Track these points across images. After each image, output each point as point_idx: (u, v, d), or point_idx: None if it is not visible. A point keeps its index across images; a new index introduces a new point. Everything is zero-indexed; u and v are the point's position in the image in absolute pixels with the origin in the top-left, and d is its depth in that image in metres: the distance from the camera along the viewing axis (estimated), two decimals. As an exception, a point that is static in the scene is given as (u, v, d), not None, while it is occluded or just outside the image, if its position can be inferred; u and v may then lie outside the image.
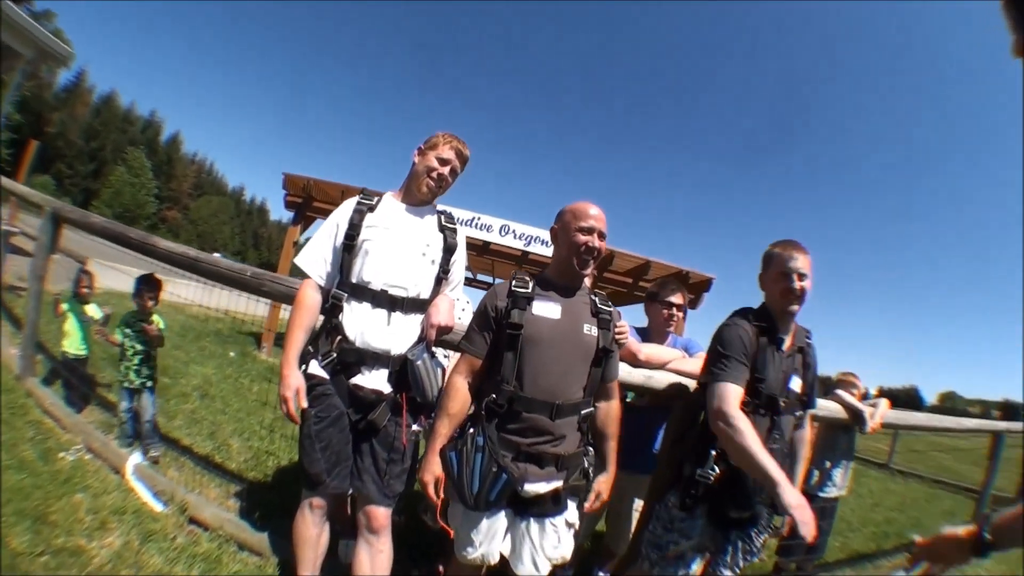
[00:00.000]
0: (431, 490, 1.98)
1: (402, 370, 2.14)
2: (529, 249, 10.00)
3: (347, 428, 2.17)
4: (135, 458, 3.05)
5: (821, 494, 3.68)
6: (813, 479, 3.71)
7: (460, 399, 2.03)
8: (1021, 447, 8.47)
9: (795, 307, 2.19)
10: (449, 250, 2.31)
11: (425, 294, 2.25)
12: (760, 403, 2.13)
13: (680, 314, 2.95)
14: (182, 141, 78.66)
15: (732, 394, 2.08)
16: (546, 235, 9.90)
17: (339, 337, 2.17)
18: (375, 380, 2.16)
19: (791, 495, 1.88)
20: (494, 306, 2.03)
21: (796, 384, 2.23)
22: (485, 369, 2.05)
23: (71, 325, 4.03)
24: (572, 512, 2.11)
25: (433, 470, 1.99)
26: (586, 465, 2.12)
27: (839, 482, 3.74)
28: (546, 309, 2.03)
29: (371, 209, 2.25)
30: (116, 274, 5.45)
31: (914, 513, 7.34)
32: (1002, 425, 5.55)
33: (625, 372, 2.44)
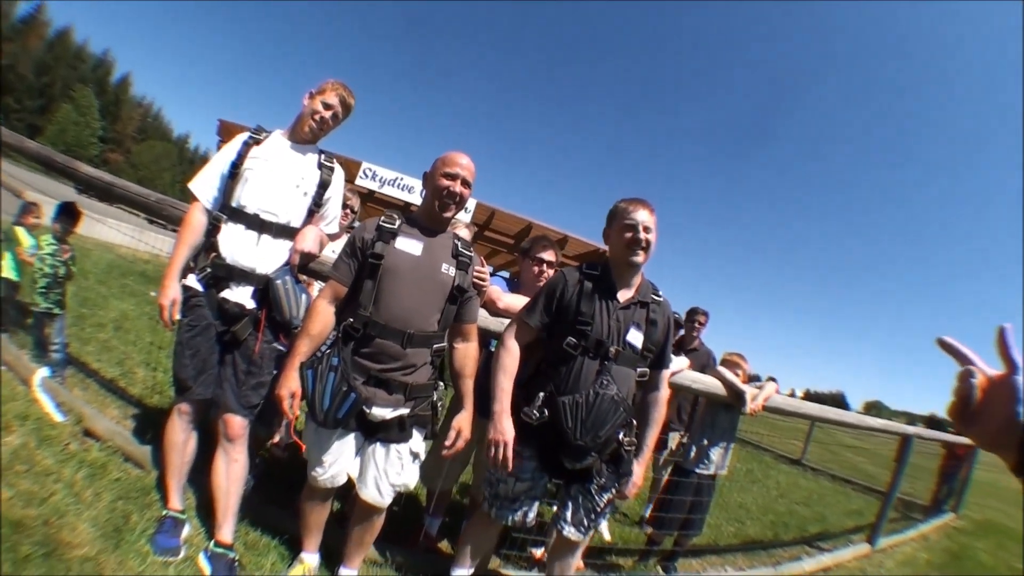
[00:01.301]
0: (285, 405, 2.13)
1: (265, 288, 2.35)
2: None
3: (214, 339, 2.37)
4: (43, 372, 3.26)
5: (697, 470, 3.72)
6: (691, 454, 3.77)
7: (321, 321, 2.19)
8: (940, 457, 8.96)
9: (638, 257, 2.30)
10: (323, 185, 2.50)
11: (296, 223, 2.45)
12: (587, 346, 2.27)
13: (551, 271, 3.02)
14: (131, 83, 76.91)
15: (519, 326, 2.39)
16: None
17: (214, 254, 2.36)
18: (241, 295, 2.35)
19: (501, 428, 2.22)
20: (361, 238, 2.22)
21: (635, 337, 2.33)
22: (348, 296, 2.23)
23: (6, 252, 4.19)
24: (417, 441, 2.31)
25: (289, 385, 2.14)
26: (435, 399, 2.32)
27: (717, 460, 3.75)
28: (408, 245, 2.22)
29: (257, 143, 2.46)
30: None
31: (819, 508, 7.55)
32: (911, 429, 5.74)
33: (487, 319, 2.65)
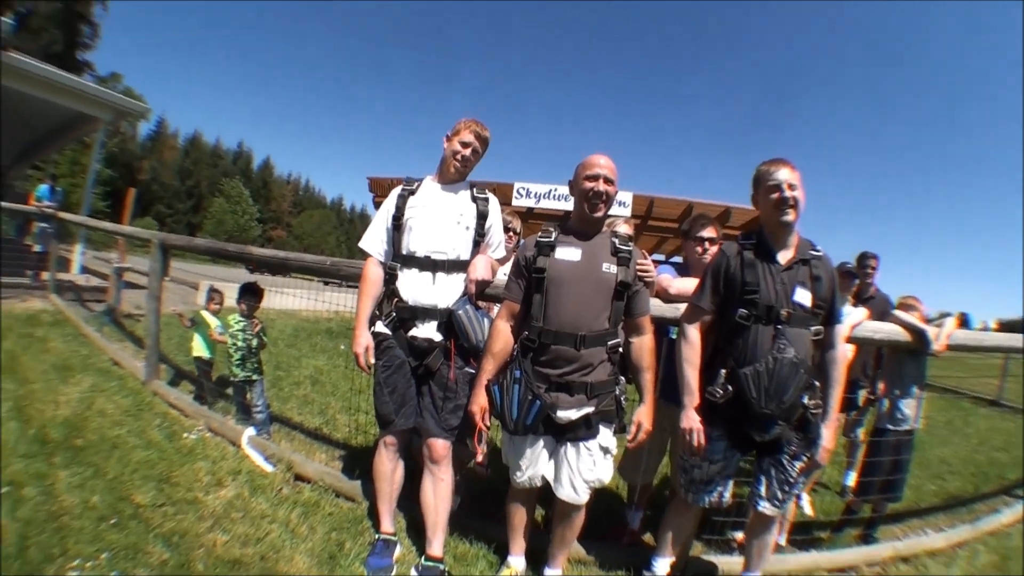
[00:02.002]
0: (478, 418, 2.37)
1: (449, 321, 2.57)
2: (610, 213, 10.43)
3: (409, 374, 2.63)
4: (249, 431, 3.74)
5: (891, 427, 3.60)
6: (883, 409, 3.66)
7: (502, 339, 2.40)
8: None
9: (789, 216, 2.31)
10: (482, 216, 2.69)
11: (465, 256, 2.66)
12: (758, 313, 2.29)
13: (714, 248, 3.02)
14: (274, 165, 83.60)
15: (691, 312, 2.46)
16: (623, 197, 10.55)
17: (396, 299, 2.63)
18: (427, 331, 2.59)
19: (689, 416, 2.35)
20: (524, 256, 2.40)
21: (803, 296, 2.32)
22: (522, 312, 2.41)
23: (196, 335, 4.91)
24: (606, 436, 2.38)
25: (479, 401, 2.39)
26: (617, 392, 2.39)
27: (911, 413, 3.60)
28: (567, 253, 2.36)
29: (412, 193, 2.71)
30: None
31: (1018, 452, 6.83)
32: None
33: (662, 307, 2.72)
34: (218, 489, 3.03)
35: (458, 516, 2.90)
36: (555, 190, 10.55)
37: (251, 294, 4.46)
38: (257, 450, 3.51)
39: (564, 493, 2.37)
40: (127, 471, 3.05)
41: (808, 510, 4.14)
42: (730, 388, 2.30)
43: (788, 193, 2.29)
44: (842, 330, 2.50)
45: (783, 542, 3.30)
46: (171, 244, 4.78)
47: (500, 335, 2.41)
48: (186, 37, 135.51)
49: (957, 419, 9.04)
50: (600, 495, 3.20)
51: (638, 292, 2.41)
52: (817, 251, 2.42)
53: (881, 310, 4.16)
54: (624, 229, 2.92)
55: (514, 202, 10.38)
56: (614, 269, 2.34)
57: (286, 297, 8.35)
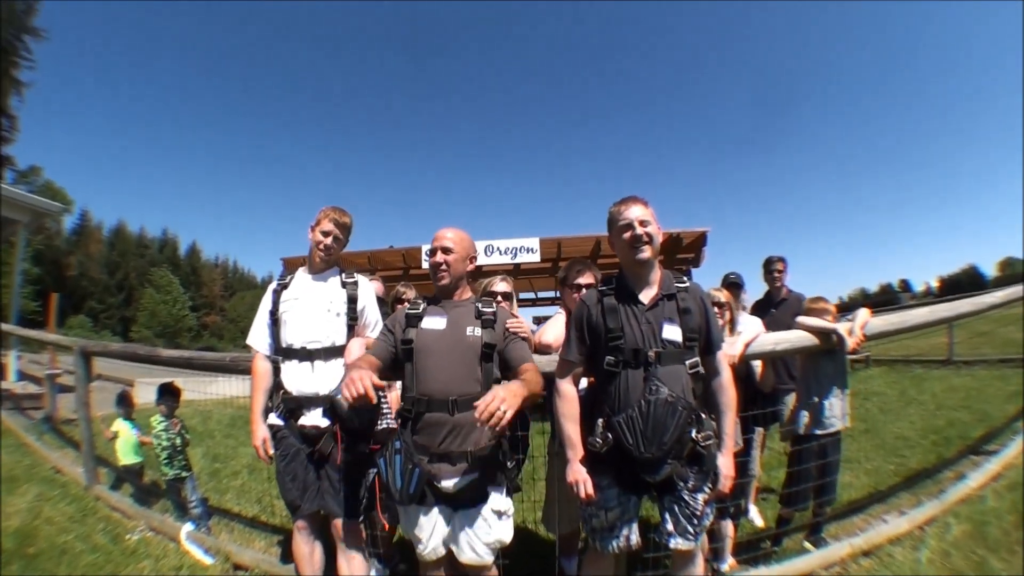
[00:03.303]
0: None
1: (332, 406, 2.75)
2: (518, 260, 10.77)
3: (305, 460, 2.81)
4: (187, 527, 3.90)
5: (817, 432, 3.61)
6: (803, 420, 3.66)
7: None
8: None
9: (644, 254, 2.39)
10: (351, 300, 2.92)
11: (340, 341, 2.88)
12: (625, 358, 2.36)
13: None
14: (200, 249, 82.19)
15: (562, 367, 2.55)
16: (530, 243, 10.68)
17: (282, 391, 2.84)
18: (314, 418, 2.80)
19: (573, 470, 2.40)
20: (391, 327, 2.63)
21: (672, 332, 2.37)
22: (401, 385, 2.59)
23: (120, 442, 4.96)
24: (497, 500, 2.49)
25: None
26: (500, 457, 2.50)
27: (836, 414, 3.63)
28: (432, 323, 2.56)
29: (285, 287, 2.97)
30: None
31: (979, 406, 7.08)
32: None
33: (541, 361, 2.79)
34: None
35: None
36: (492, 245, 10.77)
37: (169, 395, 4.66)
38: (196, 544, 3.68)
39: (467, 557, 2.47)
40: (76, 574, 3.27)
41: (758, 521, 4.24)
42: (609, 436, 2.33)
43: (640, 230, 2.38)
44: (723, 356, 2.54)
45: (726, 567, 3.36)
46: (90, 351, 5.04)
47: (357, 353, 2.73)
48: (101, 121, 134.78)
49: (911, 388, 9.35)
50: (537, 545, 3.47)
51: (510, 344, 2.55)
52: (683, 283, 2.49)
53: (795, 311, 4.22)
54: (502, 287, 3.19)
55: (484, 260, 10.47)
56: (479, 332, 2.51)
57: (220, 385, 8.45)
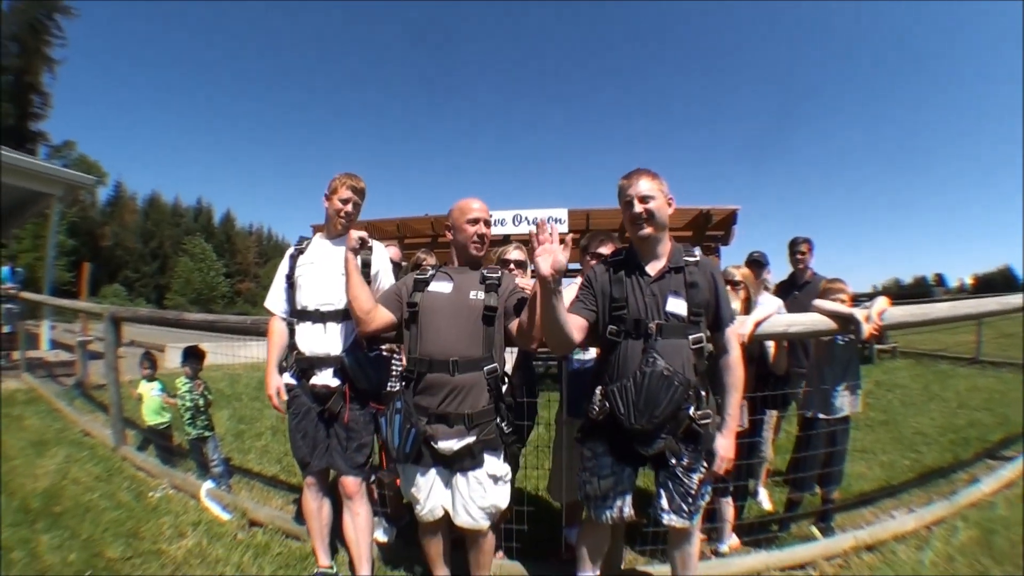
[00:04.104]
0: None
1: (343, 367, 2.91)
2: None
3: (316, 419, 2.98)
4: (207, 484, 4.18)
5: (822, 416, 3.64)
6: (812, 403, 3.69)
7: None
8: None
9: (644, 231, 2.43)
10: (366, 265, 2.97)
11: None
12: (627, 328, 2.41)
13: None
14: (235, 218, 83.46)
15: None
16: (559, 213, 10.75)
17: (296, 351, 3.01)
18: (325, 378, 2.94)
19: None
20: (398, 290, 2.76)
21: (677, 305, 2.39)
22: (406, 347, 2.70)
23: (145, 403, 5.21)
24: (493, 464, 2.60)
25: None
26: (499, 421, 2.60)
27: (846, 402, 3.62)
28: (439, 287, 2.68)
29: (302, 252, 3.11)
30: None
31: (1002, 409, 7.03)
32: None
33: None
34: (180, 539, 3.47)
35: (396, 546, 3.33)
36: (520, 215, 10.86)
37: (193, 357, 4.88)
38: (215, 501, 3.94)
39: (461, 520, 2.60)
40: (99, 530, 3.51)
41: (767, 504, 4.28)
42: (606, 405, 2.38)
43: (639, 208, 2.40)
44: (732, 333, 2.54)
45: (726, 548, 3.43)
46: (120, 316, 5.37)
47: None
48: (135, 95, 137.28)
49: (934, 383, 9.35)
50: (541, 515, 3.54)
51: (511, 299, 2.64)
52: (692, 256, 2.50)
53: (818, 294, 4.07)
54: (515, 255, 3.28)
55: (512, 229, 10.52)
56: (482, 296, 2.61)
57: (251, 349, 8.75)
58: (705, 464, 2.45)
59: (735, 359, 2.53)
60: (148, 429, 5.20)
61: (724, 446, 2.46)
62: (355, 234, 2.73)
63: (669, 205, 2.49)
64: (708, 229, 10.99)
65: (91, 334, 9.74)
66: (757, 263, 4.50)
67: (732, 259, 11.29)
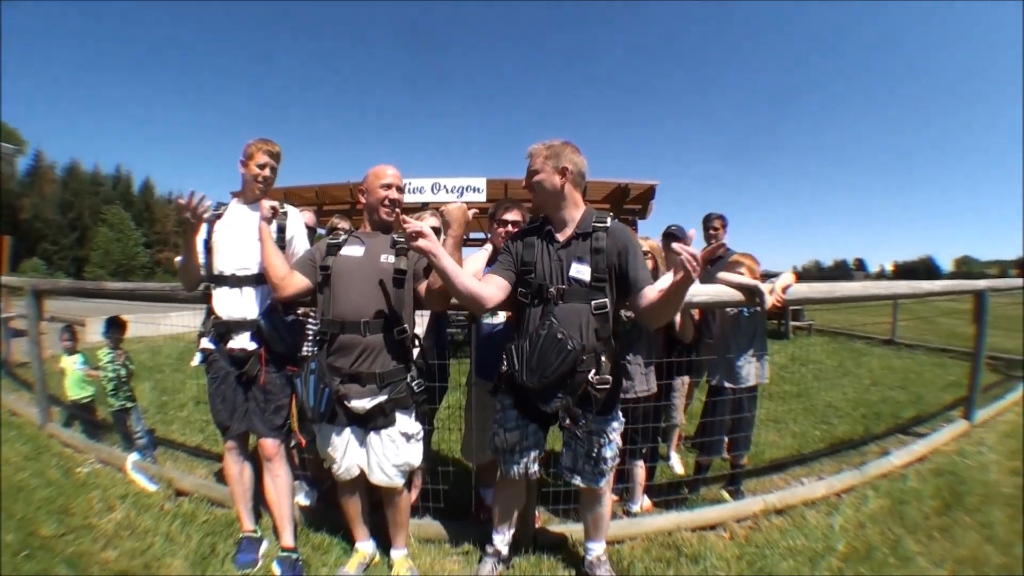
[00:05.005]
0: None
1: (259, 330, 3.01)
2: (464, 199, 11.00)
3: (234, 382, 3.07)
4: (133, 457, 4.29)
5: (728, 384, 3.83)
6: (717, 373, 3.89)
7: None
8: None
9: (535, 202, 2.70)
10: (280, 230, 3.09)
11: None
12: (531, 292, 2.60)
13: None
14: (154, 185, 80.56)
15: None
16: (477, 183, 11.12)
17: (214, 315, 3.08)
18: (242, 341, 3.03)
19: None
20: (312, 255, 2.89)
21: (580, 271, 2.54)
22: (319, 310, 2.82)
23: (68, 377, 5.24)
24: (404, 422, 2.78)
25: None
26: (409, 380, 2.77)
27: (753, 371, 3.83)
28: (351, 251, 2.82)
29: (219, 217, 3.12)
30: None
31: (915, 388, 7.45)
32: (981, 283, 5.44)
33: None
34: (109, 513, 3.57)
35: (320, 509, 3.51)
36: (408, 183, 11.07)
37: (115, 327, 4.95)
38: (141, 473, 4.06)
39: (376, 478, 2.78)
40: (32, 509, 3.56)
41: (679, 468, 4.56)
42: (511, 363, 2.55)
43: (527, 182, 2.68)
44: (652, 291, 2.53)
45: (638, 508, 3.66)
46: (41, 289, 5.35)
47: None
48: (54, 56, 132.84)
49: (848, 360, 9.91)
50: (458, 476, 3.76)
51: (420, 261, 2.78)
52: (603, 222, 2.60)
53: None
54: (432, 222, 3.40)
55: (431, 197, 10.86)
56: (392, 259, 2.77)
57: (173, 319, 8.86)
58: (609, 431, 2.62)
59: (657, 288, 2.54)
60: (72, 404, 5.23)
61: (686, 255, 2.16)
62: (267, 203, 2.93)
63: (562, 175, 2.58)
64: (626, 203, 11.51)
65: (13, 311, 9.52)
66: (672, 236, 4.53)
67: (649, 233, 11.71)
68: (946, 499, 3.74)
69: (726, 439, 3.96)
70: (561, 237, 2.61)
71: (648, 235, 4.39)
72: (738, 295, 3.34)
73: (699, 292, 3.34)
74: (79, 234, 64.46)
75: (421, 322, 3.09)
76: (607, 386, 2.51)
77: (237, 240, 3.06)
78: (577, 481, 2.67)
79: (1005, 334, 9.66)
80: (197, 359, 3.17)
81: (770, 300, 3.32)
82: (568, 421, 2.52)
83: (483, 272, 3.02)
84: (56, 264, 58.72)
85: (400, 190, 2.90)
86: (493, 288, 2.61)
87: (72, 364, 5.16)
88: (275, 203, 2.92)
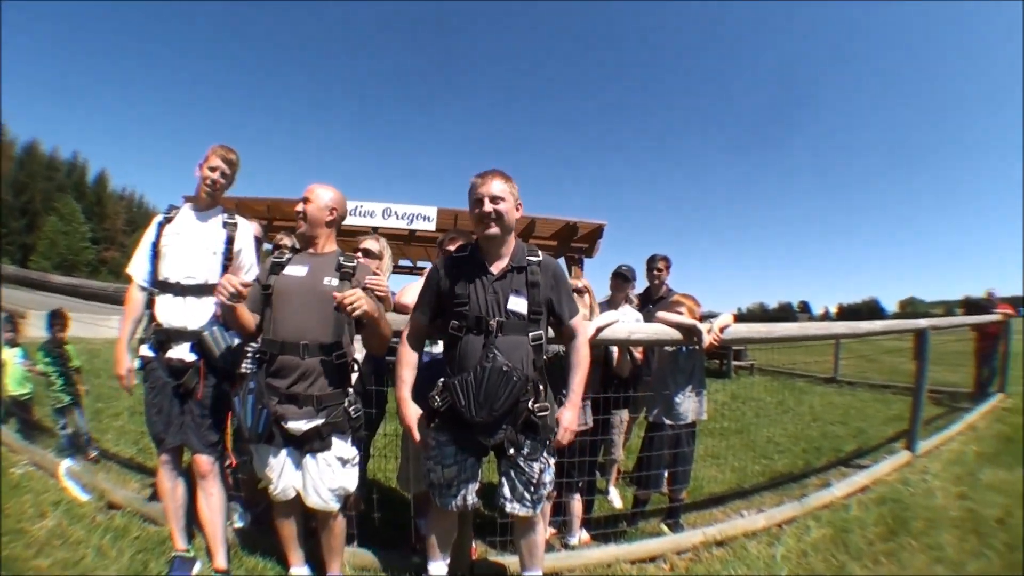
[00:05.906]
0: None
1: (200, 341, 2.98)
2: (413, 227, 11.34)
3: (171, 394, 3.03)
4: (66, 463, 4.26)
5: (667, 420, 3.89)
6: (656, 409, 3.97)
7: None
8: (973, 340, 9.32)
9: (490, 230, 2.60)
10: (229, 241, 3.14)
11: (213, 279, 3.02)
12: (468, 324, 2.59)
13: None
14: (109, 179, 79.97)
15: (410, 324, 2.82)
16: (427, 211, 11.29)
17: (155, 323, 3.07)
18: (181, 352, 3.03)
19: (402, 410, 2.71)
20: (261, 277, 2.90)
21: (517, 303, 2.59)
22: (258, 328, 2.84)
23: (8, 371, 5.17)
24: (340, 447, 2.81)
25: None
26: (346, 405, 2.80)
27: (692, 407, 3.91)
28: (294, 271, 2.84)
29: (170, 221, 3.15)
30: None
31: (857, 423, 7.77)
32: (922, 323, 5.82)
33: (397, 319, 3.07)
34: (41, 519, 3.56)
35: (254, 532, 3.51)
36: (360, 207, 11.26)
37: (59, 320, 4.97)
38: (74, 480, 4.05)
39: (312, 501, 2.79)
40: None
41: (617, 503, 4.66)
42: (448, 396, 2.55)
43: (489, 207, 2.58)
44: (579, 321, 2.77)
45: (576, 541, 3.70)
46: None
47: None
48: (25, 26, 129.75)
49: (790, 398, 10.19)
50: (393, 504, 3.85)
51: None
52: (535, 256, 2.70)
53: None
54: (369, 244, 3.50)
55: (381, 223, 11.07)
56: (335, 283, 2.78)
57: (113, 322, 8.72)
58: (546, 455, 2.68)
59: (581, 342, 2.77)
60: (10, 400, 5.15)
61: (567, 418, 2.68)
62: (227, 286, 2.60)
63: (518, 209, 2.69)
64: (574, 241, 11.88)
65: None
66: (623, 276, 4.71)
67: (595, 273, 12.05)
68: (890, 525, 3.87)
69: (665, 474, 4.05)
70: (495, 269, 2.65)
71: (600, 275, 4.54)
72: (677, 334, 3.49)
73: (639, 330, 3.52)
74: (29, 219, 63.22)
75: (360, 346, 3.09)
76: (547, 412, 2.62)
77: (185, 248, 3.08)
78: (515, 508, 2.67)
79: (950, 368, 10.30)
80: (136, 365, 3.12)
81: (708, 339, 3.46)
82: (512, 451, 2.59)
83: None
84: (2, 248, 57.39)
85: (305, 201, 2.91)
86: (415, 342, 2.81)
87: (13, 358, 5.09)
88: (237, 286, 2.58)
